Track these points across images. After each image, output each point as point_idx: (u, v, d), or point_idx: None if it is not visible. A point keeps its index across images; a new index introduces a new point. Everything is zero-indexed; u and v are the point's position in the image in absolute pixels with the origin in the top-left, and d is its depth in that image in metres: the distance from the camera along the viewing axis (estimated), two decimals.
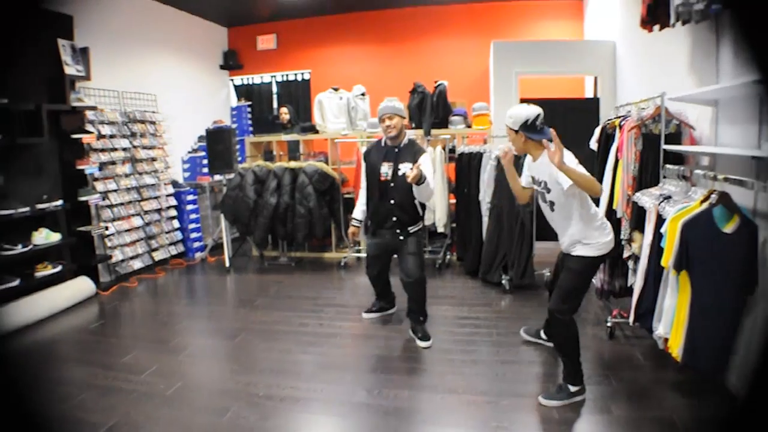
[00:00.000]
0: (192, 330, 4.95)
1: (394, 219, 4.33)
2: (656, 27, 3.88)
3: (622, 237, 3.97)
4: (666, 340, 3.09)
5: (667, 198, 3.30)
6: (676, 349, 2.94)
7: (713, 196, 2.82)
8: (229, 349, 4.45)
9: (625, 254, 3.98)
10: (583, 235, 3.18)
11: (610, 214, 4.19)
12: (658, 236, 3.24)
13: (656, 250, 3.27)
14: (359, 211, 4.66)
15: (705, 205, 2.83)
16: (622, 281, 4.35)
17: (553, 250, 5.90)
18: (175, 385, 3.70)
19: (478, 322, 4.69)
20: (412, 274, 4.32)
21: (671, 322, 2.99)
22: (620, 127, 4.17)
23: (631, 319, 3.59)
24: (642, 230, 3.63)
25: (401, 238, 4.35)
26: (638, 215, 3.75)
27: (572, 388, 3.26)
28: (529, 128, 3.22)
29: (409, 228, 4.36)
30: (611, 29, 6.84)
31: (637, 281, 3.56)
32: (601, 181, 4.42)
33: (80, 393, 3.61)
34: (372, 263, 4.68)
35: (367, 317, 4.97)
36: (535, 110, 3.24)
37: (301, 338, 4.51)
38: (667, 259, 2.91)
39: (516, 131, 3.27)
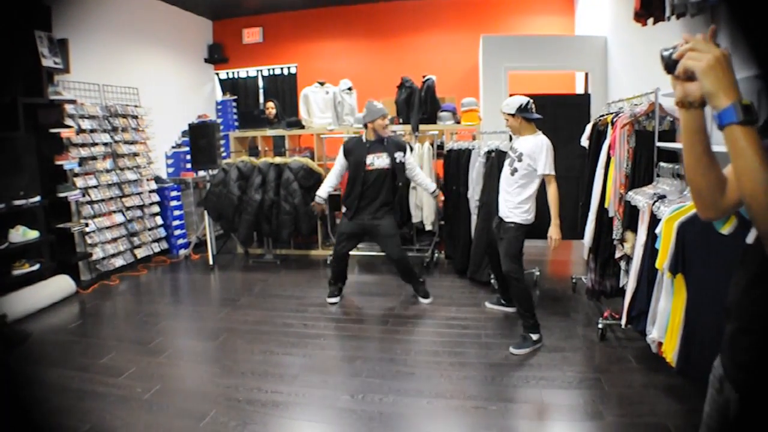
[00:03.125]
0: (173, 330, 4.82)
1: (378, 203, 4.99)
2: (650, 20, 3.78)
3: (614, 237, 3.87)
4: (660, 344, 2.99)
5: (662, 197, 3.20)
6: (671, 354, 2.84)
7: None
8: (211, 350, 4.33)
9: (617, 254, 3.88)
10: (518, 205, 4.03)
11: (602, 213, 4.10)
12: (652, 237, 3.14)
13: (650, 251, 3.18)
14: (324, 190, 5.34)
15: None
16: (613, 281, 4.26)
17: (542, 248, 5.84)
18: (153, 388, 3.58)
19: (467, 323, 4.57)
20: (395, 255, 5.02)
21: (666, 325, 2.90)
22: (612, 123, 4.08)
23: (623, 321, 3.50)
24: (635, 230, 3.53)
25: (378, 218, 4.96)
26: (631, 215, 3.65)
27: (533, 336, 3.97)
28: (524, 111, 3.99)
29: (387, 209, 5.01)
30: (602, 24, 6.77)
31: (629, 282, 3.46)
32: (592, 178, 4.34)
33: (55, 397, 3.48)
34: (346, 241, 5.12)
35: (333, 301, 5.25)
36: (526, 97, 4.06)
37: (285, 339, 4.38)
38: (662, 261, 2.81)
39: (513, 115, 4.02)
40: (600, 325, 4.06)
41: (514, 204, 4.06)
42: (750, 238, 1.22)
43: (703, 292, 2.66)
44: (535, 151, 3.93)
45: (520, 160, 4.01)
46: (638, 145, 3.80)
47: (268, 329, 4.62)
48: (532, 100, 4.06)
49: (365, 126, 5.07)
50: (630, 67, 5.71)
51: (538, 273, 5.63)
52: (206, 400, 3.43)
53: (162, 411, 3.30)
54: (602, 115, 4.59)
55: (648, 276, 3.21)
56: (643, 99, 3.93)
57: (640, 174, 3.81)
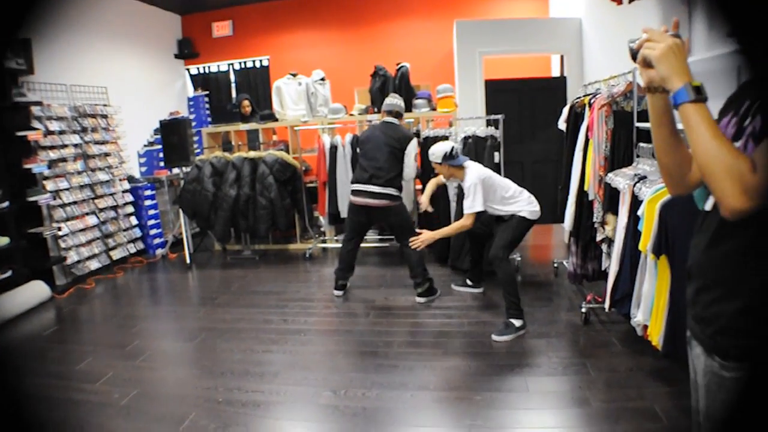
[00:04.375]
0: (150, 332, 4.69)
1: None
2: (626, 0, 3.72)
3: (595, 220, 3.83)
4: (645, 327, 2.95)
5: (643, 178, 3.14)
6: (657, 337, 2.80)
7: None
8: (189, 351, 4.22)
9: (599, 237, 3.84)
10: (510, 210, 4.17)
11: (582, 196, 4.05)
12: (633, 218, 3.09)
13: (632, 233, 3.13)
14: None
15: None
16: (595, 264, 4.22)
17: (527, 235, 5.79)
18: (131, 393, 3.46)
19: (449, 312, 4.52)
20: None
21: (650, 308, 2.85)
22: (590, 105, 4.02)
23: (606, 305, 3.46)
24: (616, 212, 3.48)
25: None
26: (611, 197, 3.59)
27: (516, 323, 3.94)
28: (449, 158, 4.22)
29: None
30: (577, 6, 6.71)
31: (612, 265, 3.42)
32: (571, 161, 4.28)
33: (30, 406, 3.36)
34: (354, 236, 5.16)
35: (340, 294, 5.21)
36: (449, 144, 4.29)
37: (265, 336, 4.29)
38: (645, 244, 2.75)
39: (440, 164, 4.26)
40: (583, 309, 4.02)
41: (516, 208, 4.18)
42: (708, 205, 1.35)
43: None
44: (467, 191, 4.11)
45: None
46: (617, 126, 3.74)
47: (247, 327, 4.52)
48: (456, 146, 4.29)
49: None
50: (606, 47, 5.68)
51: (519, 259, 5.58)
52: (185, 402, 3.33)
53: (140, 416, 3.20)
54: (579, 97, 4.53)
55: (631, 258, 3.16)
56: (621, 79, 3.87)
57: (619, 155, 3.76)
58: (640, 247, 2.83)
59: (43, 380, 3.77)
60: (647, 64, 1.32)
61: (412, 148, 4.92)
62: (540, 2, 8.45)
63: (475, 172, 4.12)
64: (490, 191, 4.13)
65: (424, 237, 4.17)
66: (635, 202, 3.10)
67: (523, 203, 4.16)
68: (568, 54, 6.80)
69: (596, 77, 4.74)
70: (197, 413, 3.16)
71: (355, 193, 4.89)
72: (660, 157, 1.46)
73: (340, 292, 5.12)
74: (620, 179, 3.38)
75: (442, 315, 4.48)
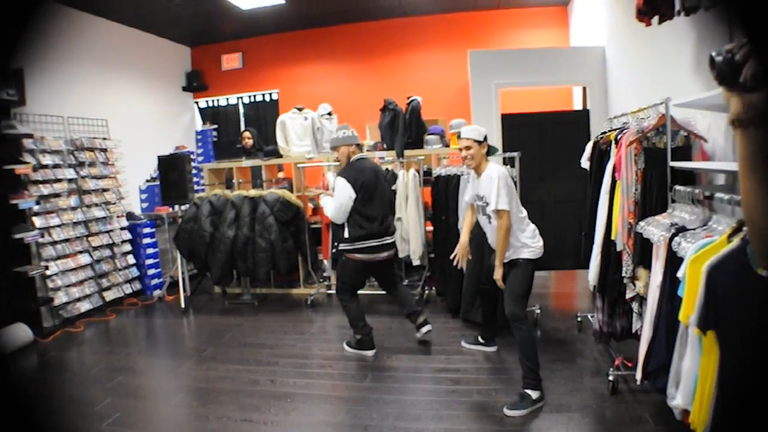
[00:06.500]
0: (126, 389, 4.20)
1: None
2: (655, 19, 3.25)
3: (624, 274, 3.29)
4: (686, 412, 2.39)
5: (682, 230, 2.61)
6: (702, 427, 2.24)
7: (745, 228, 2.13)
8: (161, 415, 3.78)
9: (628, 294, 3.29)
10: (519, 242, 3.59)
11: (608, 245, 3.52)
12: (670, 276, 2.56)
13: (668, 295, 2.59)
14: None
15: (735, 242, 2.13)
16: (624, 321, 3.67)
17: (545, 280, 5.26)
18: None
19: (457, 376, 3.95)
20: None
21: (693, 390, 2.29)
22: (616, 141, 3.52)
23: (638, 376, 2.89)
24: (648, 266, 2.96)
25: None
26: (643, 248, 3.06)
27: (533, 394, 3.41)
28: (486, 140, 3.69)
29: (339, 245, 4.58)
30: (599, 33, 6.29)
31: (644, 330, 2.87)
32: (595, 205, 3.77)
33: None
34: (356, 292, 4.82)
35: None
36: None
37: (246, 401, 3.79)
38: (687, 314, 2.21)
39: (480, 142, 3.63)
40: (611, 377, 3.46)
41: (515, 241, 3.62)
42: None
43: (743, 351, 2.06)
44: (488, 186, 3.56)
45: (488, 204, 3.60)
46: (648, 166, 3.23)
47: (229, 388, 4.04)
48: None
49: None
50: (633, 77, 5.22)
51: (538, 311, 5.03)
52: None
53: None
54: (604, 132, 4.04)
55: (667, 324, 2.61)
56: (651, 111, 3.37)
57: (651, 200, 3.23)
58: (681, 317, 2.29)
59: None
60: (745, 86, 0.97)
61: None
62: (559, 30, 8.10)
63: (498, 166, 3.66)
64: (513, 197, 3.58)
65: (463, 251, 3.81)
66: (672, 257, 2.58)
67: (529, 236, 3.63)
68: (590, 85, 6.38)
69: (622, 110, 4.25)
70: None
71: (376, 249, 4.42)
72: (750, 214, 1.08)
73: (371, 352, 4.56)
74: (653, 229, 2.85)
75: (448, 380, 3.92)
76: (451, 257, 3.90)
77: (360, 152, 4.59)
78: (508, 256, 3.60)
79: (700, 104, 3.02)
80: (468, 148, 3.63)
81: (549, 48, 7.36)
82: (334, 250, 4.62)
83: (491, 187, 3.50)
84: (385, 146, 6.29)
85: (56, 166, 6.07)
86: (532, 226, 3.71)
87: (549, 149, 5.80)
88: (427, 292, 6.00)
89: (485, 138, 3.66)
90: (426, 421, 3.34)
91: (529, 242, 3.60)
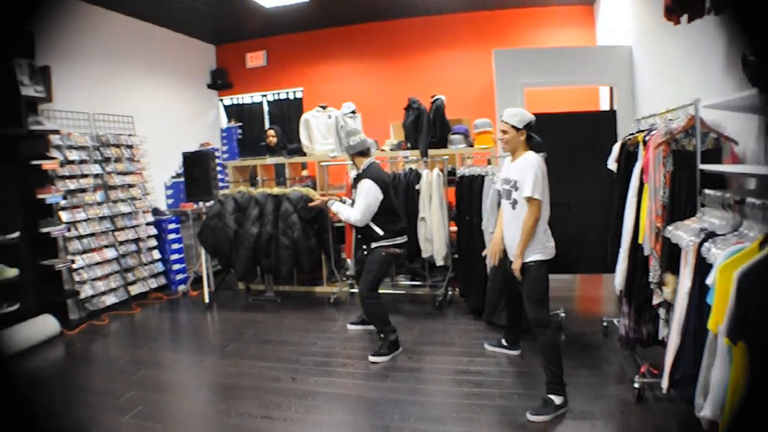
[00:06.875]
0: (148, 383, 4.25)
1: (359, 237, 4.80)
2: (684, 17, 3.18)
3: (651, 279, 3.23)
4: (714, 423, 2.33)
5: (711, 235, 2.55)
6: None
7: None
8: (182, 410, 3.82)
9: (655, 300, 3.23)
10: (534, 239, 3.49)
11: (635, 250, 3.46)
12: (699, 283, 2.51)
13: (696, 302, 2.54)
14: None
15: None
16: (650, 327, 3.59)
17: (569, 283, 5.18)
18: None
19: (479, 379, 3.90)
20: (359, 288, 4.66)
21: (721, 401, 2.23)
22: (644, 143, 3.45)
23: (664, 384, 2.84)
24: (676, 272, 2.90)
25: (365, 253, 4.63)
26: (671, 252, 3.00)
27: (556, 400, 3.35)
28: (531, 129, 3.57)
29: (371, 244, 4.54)
30: (626, 32, 6.20)
31: (671, 338, 2.81)
32: (622, 209, 3.71)
33: None
34: (357, 274, 5.20)
35: (352, 328, 5.23)
36: (532, 115, 3.61)
37: (267, 398, 3.81)
38: (717, 323, 2.15)
39: (519, 129, 3.53)
40: (636, 384, 3.39)
41: (533, 240, 3.53)
42: None
43: None
44: (522, 172, 3.47)
45: (516, 189, 3.54)
46: (677, 169, 3.17)
47: (250, 384, 4.06)
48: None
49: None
50: (661, 77, 5.13)
51: (563, 314, 4.96)
52: None
53: None
54: (631, 134, 3.97)
55: (695, 331, 2.56)
56: (680, 112, 3.31)
57: (680, 203, 3.16)
58: (710, 326, 2.24)
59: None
60: None
61: None
62: (585, 29, 8.01)
63: (537, 156, 3.54)
64: (545, 190, 3.51)
65: (496, 249, 3.75)
66: (701, 264, 2.52)
67: (543, 236, 3.54)
68: (617, 85, 6.29)
69: (650, 110, 4.17)
70: None
71: (404, 245, 4.66)
72: None
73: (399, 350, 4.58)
74: (682, 234, 2.79)
75: (470, 382, 3.87)
76: (483, 254, 3.90)
77: (370, 156, 4.72)
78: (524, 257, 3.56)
79: (730, 105, 2.96)
80: (504, 132, 3.56)
81: (575, 47, 7.26)
82: (365, 251, 4.60)
83: (526, 173, 3.42)
84: (408, 145, 6.26)
85: (82, 161, 6.17)
86: (546, 226, 3.61)
87: (574, 150, 5.71)
88: (450, 293, 5.95)
89: (527, 126, 3.53)
90: (447, 423, 3.32)
91: (542, 241, 3.54)
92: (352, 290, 6.43)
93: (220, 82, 9.45)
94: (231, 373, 4.32)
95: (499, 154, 5.26)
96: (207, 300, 6.37)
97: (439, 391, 3.83)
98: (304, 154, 6.93)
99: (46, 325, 5.31)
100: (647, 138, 3.43)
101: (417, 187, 5.68)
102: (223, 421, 3.53)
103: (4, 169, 5.28)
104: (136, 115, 7.13)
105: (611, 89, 6.75)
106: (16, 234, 5.20)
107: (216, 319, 6.04)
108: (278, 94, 9.40)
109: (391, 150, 6.44)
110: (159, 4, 7.18)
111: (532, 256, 3.51)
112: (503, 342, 4.40)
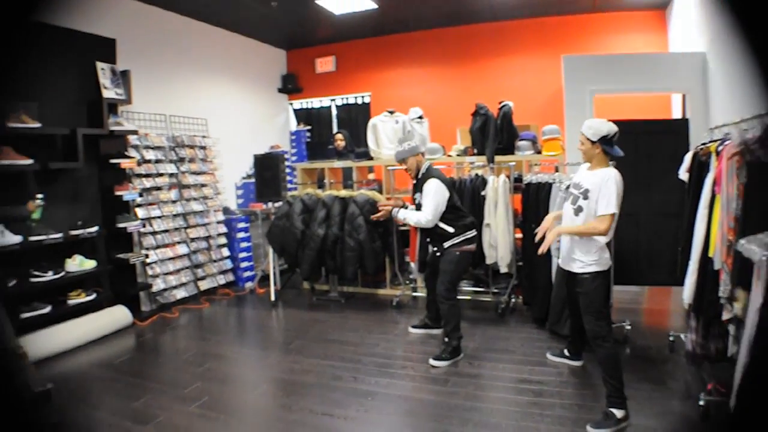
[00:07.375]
0: (214, 375, 4.43)
1: (428, 239, 4.82)
2: None
3: (721, 294, 3.14)
4: None
5: None
6: None
7: None
8: (247, 403, 3.96)
9: (725, 316, 3.15)
10: (587, 248, 3.51)
11: (706, 263, 3.37)
12: None
13: None
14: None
15: None
16: (719, 343, 3.49)
17: (638, 295, 5.07)
18: None
19: (540, 389, 3.88)
20: (437, 289, 4.57)
21: None
22: (717, 153, 3.37)
23: (732, 403, 2.77)
24: (747, 287, 2.82)
25: (438, 254, 4.65)
26: (742, 267, 2.92)
27: (618, 413, 3.29)
28: (606, 142, 3.50)
29: (444, 244, 4.57)
30: (700, 38, 6.02)
31: (740, 355, 2.74)
32: (693, 220, 3.62)
33: None
34: (427, 277, 5.11)
35: (413, 332, 5.26)
36: (614, 127, 3.52)
37: (329, 395, 3.91)
38: None
39: (594, 142, 3.51)
40: (702, 402, 3.31)
41: (585, 249, 3.53)
42: None
43: None
44: (599, 184, 3.44)
45: (585, 198, 3.52)
46: (751, 181, 3.08)
47: (313, 381, 4.18)
48: (617, 131, 3.52)
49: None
50: (736, 85, 4.96)
51: (629, 327, 4.85)
52: None
53: None
54: (704, 144, 3.87)
55: (766, 350, 2.49)
56: (756, 122, 3.21)
57: (753, 216, 3.06)
58: None
59: (98, 414, 3.75)
60: None
61: None
62: (657, 36, 7.78)
63: (618, 175, 3.50)
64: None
65: (551, 236, 3.60)
66: None
67: (603, 249, 3.52)
68: (690, 93, 6.11)
69: (724, 120, 4.03)
70: None
71: (475, 239, 4.71)
72: None
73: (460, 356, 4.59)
74: (755, 248, 2.71)
75: (530, 391, 3.86)
76: (535, 231, 3.87)
77: (424, 159, 4.82)
78: (572, 267, 3.62)
79: None
80: (581, 142, 3.60)
81: (646, 53, 7.10)
82: (437, 253, 4.64)
83: (604, 188, 3.40)
84: (475, 151, 6.24)
85: (158, 161, 6.48)
86: (609, 239, 3.59)
87: (645, 159, 5.58)
88: (513, 300, 5.92)
89: (602, 139, 3.49)
90: (506, 430, 3.32)
91: (600, 253, 3.51)
92: (415, 293, 6.48)
93: (291, 86, 9.70)
94: (294, 370, 4.45)
95: (567, 161, 5.21)
96: (273, 298, 6.55)
97: (499, 398, 3.82)
98: (372, 158, 7.04)
99: (119, 315, 5.59)
100: (720, 148, 3.35)
101: (483, 193, 5.67)
102: (284, 416, 3.64)
103: (87, 166, 5.58)
104: (209, 118, 7.44)
105: (684, 97, 6.57)
106: (95, 228, 5.50)
107: (281, 316, 6.20)
108: (346, 98, 9.57)
109: (457, 155, 6.45)
110: (234, 11, 7.44)
111: (588, 268, 3.51)
112: (566, 352, 4.35)
